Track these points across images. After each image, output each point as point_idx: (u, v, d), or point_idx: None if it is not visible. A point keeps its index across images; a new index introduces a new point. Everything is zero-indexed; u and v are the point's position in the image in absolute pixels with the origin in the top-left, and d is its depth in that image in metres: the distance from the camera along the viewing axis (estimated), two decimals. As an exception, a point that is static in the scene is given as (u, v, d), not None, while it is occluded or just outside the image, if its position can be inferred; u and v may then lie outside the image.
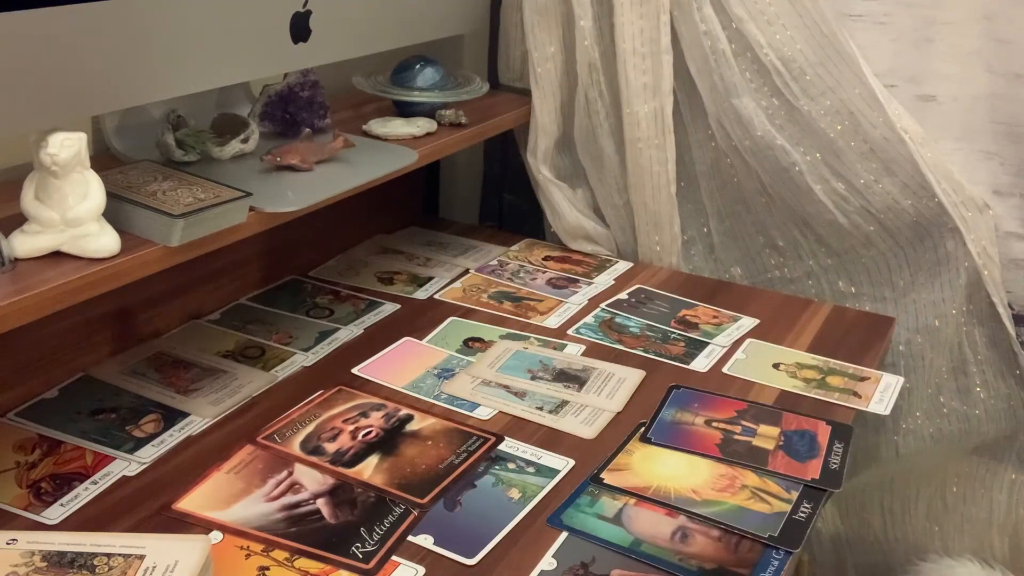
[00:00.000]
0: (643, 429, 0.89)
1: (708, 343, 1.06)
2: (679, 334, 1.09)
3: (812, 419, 0.92)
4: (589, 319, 1.11)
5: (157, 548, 0.64)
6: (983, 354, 1.13)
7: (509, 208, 1.42)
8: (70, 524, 0.74)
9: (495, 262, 1.26)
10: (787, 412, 0.93)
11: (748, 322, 1.12)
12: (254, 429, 0.86)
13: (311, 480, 0.80)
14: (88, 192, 0.74)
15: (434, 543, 0.73)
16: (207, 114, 0.98)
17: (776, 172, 1.15)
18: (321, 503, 0.77)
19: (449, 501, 0.79)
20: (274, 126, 1.04)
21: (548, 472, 0.83)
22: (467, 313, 1.11)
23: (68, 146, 0.71)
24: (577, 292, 1.18)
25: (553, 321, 1.11)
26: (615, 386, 0.96)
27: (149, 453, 0.83)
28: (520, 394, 0.95)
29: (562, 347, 1.05)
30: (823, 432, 0.90)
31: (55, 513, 0.75)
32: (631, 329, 1.09)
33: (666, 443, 0.87)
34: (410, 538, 0.74)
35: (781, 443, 0.88)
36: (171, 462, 0.82)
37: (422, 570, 0.71)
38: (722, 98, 1.15)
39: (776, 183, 1.16)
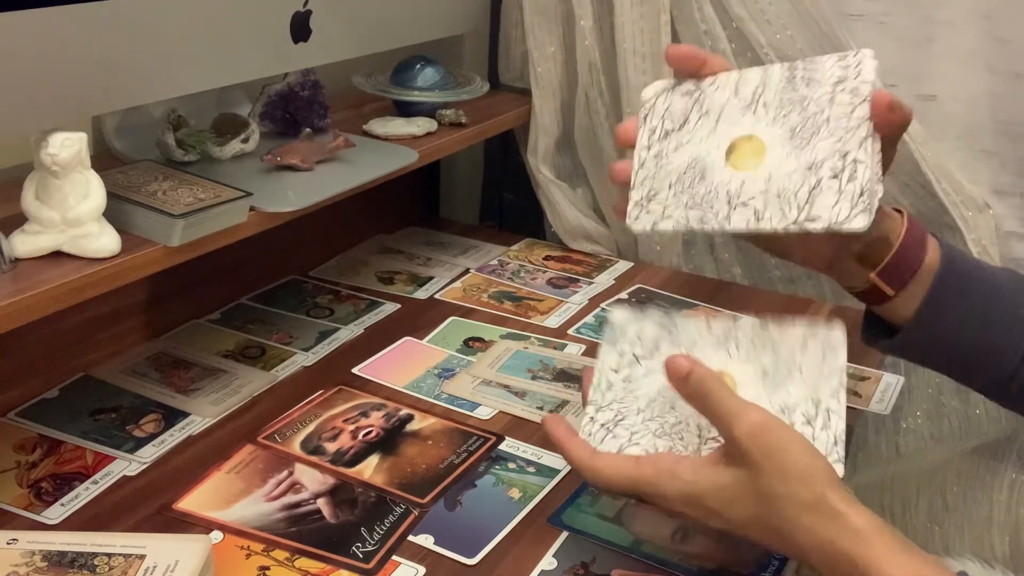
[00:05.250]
0: (643, 429, 0.89)
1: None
2: (679, 334, 1.08)
3: (812, 419, 0.92)
4: (589, 319, 1.11)
5: (158, 548, 0.64)
6: (983, 353, 1.13)
7: (509, 208, 1.42)
8: (70, 524, 0.74)
9: (495, 262, 1.26)
10: (787, 412, 0.93)
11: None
12: (254, 429, 0.86)
13: (311, 480, 0.80)
14: (88, 192, 0.74)
15: (434, 543, 0.73)
16: (207, 114, 0.98)
17: (776, 172, 1.15)
18: (321, 503, 0.77)
19: (449, 501, 0.79)
20: (274, 126, 1.04)
21: (548, 472, 0.83)
22: (467, 313, 1.11)
23: (68, 146, 0.71)
24: (577, 292, 1.18)
25: (553, 321, 1.11)
26: (615, 386, 0.96)
27: (149, 453, 0.83)
28: (520, 394, 0.95)
29: (562, 347, 1.05)
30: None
31: (55, 513, 0.75)
32: (631, 329, 1.09)
33: (666, 443, 0.87)
34: (410, 538, 0.74)
35: (781, 443, 0.88)
36: (171, 462, 0.82)
37: (423, 570, 0.71)
38: (722, 98, 1.15)
39: (776, 183, 1.16)
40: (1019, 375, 0.71)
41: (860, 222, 0.62)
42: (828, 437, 0.64)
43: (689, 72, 0.70)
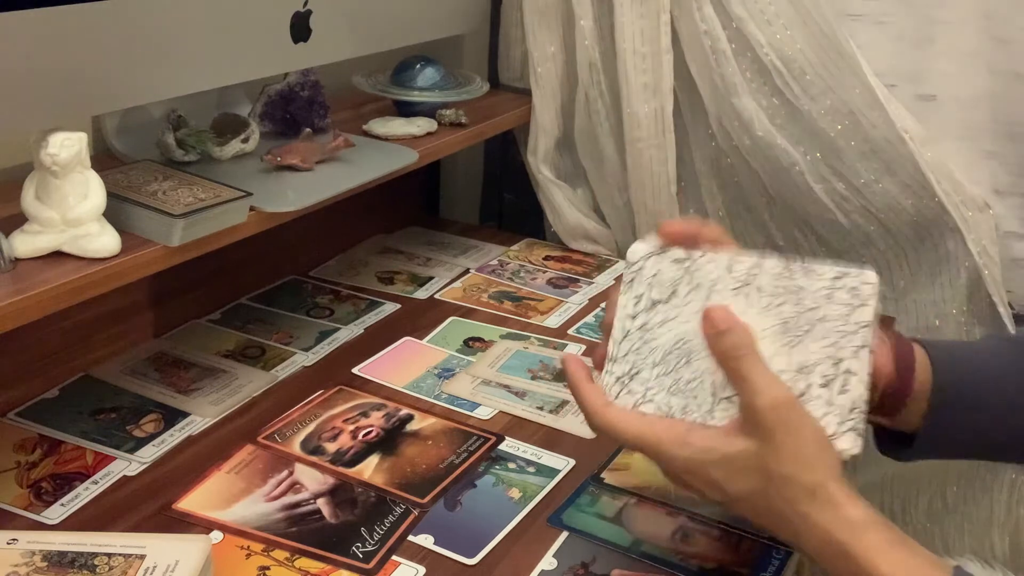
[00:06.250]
0: (643, 429, 0.89)
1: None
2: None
3: (812, 419, 0.92)
4: (589, 319, 1.11)
5: (157, 548, 0.64)
6: (983, 354, 1.13)
7: (509, 208, 1.42)
8: (70, 524, 0.74)
9: (495, 262, 1.26)
10: (787, 412, 0.93)
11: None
12: (254, 429, 0.86)
13: (311, 480, 0.80)
14: (88, 192, 0.74)
15: (434, 543, 0.73)
16: (207, 114, 0.98)
17: (776, 172, 1.15)
18: (321, 503, 0.77)
19: (449, 501, 0.79)
20: (274, 126, 1.04)
21: (548, 472, 0.83)
22: (467, 313, 1.11)
23: (68, 146, 0.71)
24: (577, 292, 1.18)
25: (553, 321, 1.11)
26: (615, 386, 0.96)
27: (149, 453, 0.83)
28: (520, 394, 0.95)
29: (562, 347, 1.05)
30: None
31: (55, 513, 0.75)
32: (631, 329, 1.09)
33: (666, 443, 0.87)
34: (410, 538, 0.74)
35: (781, 443, 0.88)
36: (171, 462, 0.82)
37: (422, 570, 0.71)
38: (722, 98, 1.15)
39: (776, 183, 1.16)
40: None
41: (846, 443, 0.61)
42: (846, 402, 0.62)
43: (684, 245, 0.68)
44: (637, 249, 0.68)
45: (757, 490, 0.60)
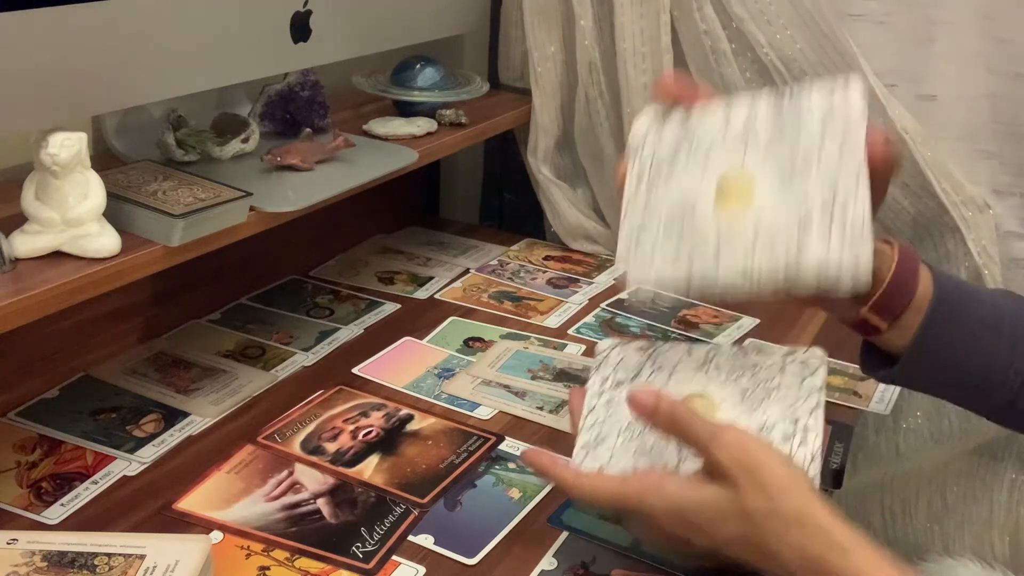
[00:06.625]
0: (643, 429, 0.89)
1: (708, 343, 1.06)
2: (679, 334, 1.09)
3: (812, 419, 0.92)
4: (589, 319, 1.11)
5: (157, 548, 0.64)
6: (983, 353, 1.13)
7: (509, 208, 1.42)
8: (70, 524, 0.74)
9: (495, 262, 1.26)
10: (787, 412, 0.93)
11: (748, 322, 1.12)
12: (254, 429, 0.86)
13: (311, 480, 0.80)
14: (88, 192, 0.74)
15: (434, 543, 0.73)
16: (207, 114, 0.98)
17: (776, 172, 1.15)
18: (321, 503, 0.77)
19: (449, 501, 0.79)
20: (274, 126, 1.04)
21: (548, 472, 0.83)
22: (467, 313, 1.11)
23: (68, 146, 0.71)
24: (577, 292, 1.18)
25: (553, 321, 1.11)
26: (615, 386, 0.96)
27: (149, 453, 0.83)
28: (520, 394, 0.95)
29: (562, 347, 1.05)
30: (823, 432, 0.90)
31: (55, 513, 0.75)
32: (631, 329, 1.09)
33: (666, 443, 0.87)
34: (410, 538, 0.74)
35: (781, 443, 0.88)
36: (171, 462, 0.82)
37: (422, 570, 0.71)
38: (722, 98, 1.15)
39: (776, 183, 1.16)
40: (1020, 399, 0.70)
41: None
42: (805, 454, 0.65)
43: (679, 100, 0.71)
44: (604, 343, 0.74)
45: (741, 533, 0.61)
